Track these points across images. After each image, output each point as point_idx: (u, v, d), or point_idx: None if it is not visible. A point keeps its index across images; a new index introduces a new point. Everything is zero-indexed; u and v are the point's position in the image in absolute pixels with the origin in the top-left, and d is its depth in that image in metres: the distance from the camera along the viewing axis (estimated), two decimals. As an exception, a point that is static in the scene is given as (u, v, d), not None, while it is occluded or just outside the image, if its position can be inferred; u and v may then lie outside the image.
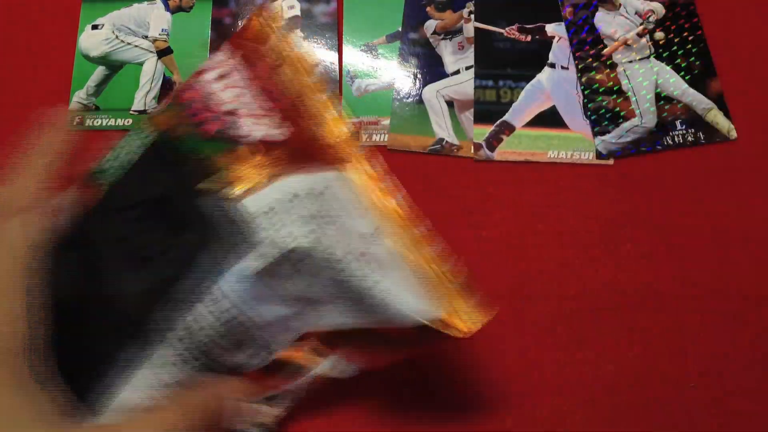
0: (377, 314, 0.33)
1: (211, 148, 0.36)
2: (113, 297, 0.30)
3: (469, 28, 0.49)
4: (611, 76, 0.47)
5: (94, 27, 0.50)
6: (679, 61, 0.47)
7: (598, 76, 0.47)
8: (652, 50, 0.48)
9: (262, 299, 0.33)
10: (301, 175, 0.36)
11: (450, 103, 0.47)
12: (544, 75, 0.47)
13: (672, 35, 0.48)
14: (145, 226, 0.32)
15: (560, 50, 0.48)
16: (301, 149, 0.37)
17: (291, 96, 0.38)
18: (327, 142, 0.38)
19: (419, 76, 0.48)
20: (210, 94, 0.37)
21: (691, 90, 0.47)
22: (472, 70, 0.48)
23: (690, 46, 0.48)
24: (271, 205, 0.35)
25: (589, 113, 0.46)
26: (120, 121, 0.47)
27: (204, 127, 0.36)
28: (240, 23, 0.49)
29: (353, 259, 0.33)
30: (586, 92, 0.47)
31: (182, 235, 0.31)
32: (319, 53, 0.49)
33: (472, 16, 0.49)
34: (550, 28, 0.49)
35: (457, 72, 0.48)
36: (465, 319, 0.34)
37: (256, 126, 0.37)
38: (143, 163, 0.33)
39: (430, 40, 0.48)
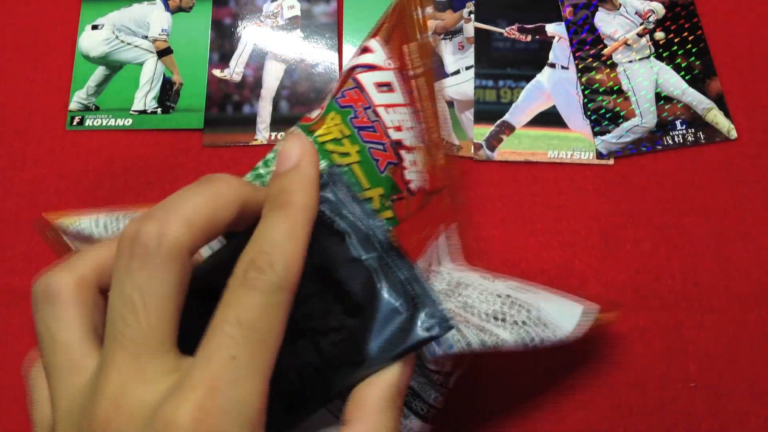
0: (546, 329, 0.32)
1: (385, 186, 0.31)
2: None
3: (469, 28, 0.49)
4: (611, 76, 0.47)
5: (94, 27, 0.50)
6: (679, 61, 0.47)
7: (598, 76, 0.47)
8: (652, 50, 0.48)
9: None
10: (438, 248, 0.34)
11: (450, 103, 0.47)
12: (544, 75, 0.47)
13: (672, 35, 0.48)
14: (303, 292, 0.25)
15: (560, 50, 0.48)
16: (434, 206, 0.34)
17: (428, 125, 0.35)
18: (446, 200, 0.35)
19: (419, 76, 0.48)
20: (375, 107, 0.32)
21: (691, 90, 0.47)
22: (472, 70, 0.48)
23: (690, 46, 0.48)
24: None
25: (589, 113, 0.46)
26: (120, 121, 0.47)
27: (374, 151, 0.32)
28: (241, 24, 0.49)
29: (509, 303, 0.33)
30: (586, 92, 0.47)
31: (358, 315, 0.25)
32: (319, 53, 0.49)
33: (472, 16, 0.49)
34: (550, 28, 0.49)
35: (457, 72, 0.48)
36: (602, 307, 0.33)
37: (413, 172, 0.33)
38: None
39: (430, 40, 0.48)
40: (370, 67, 0.33)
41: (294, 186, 0.24)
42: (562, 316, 0.32)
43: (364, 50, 0.34)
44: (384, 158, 0.32)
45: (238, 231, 0.25)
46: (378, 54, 0.33)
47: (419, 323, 0.25)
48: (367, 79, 0.33)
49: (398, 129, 0.33)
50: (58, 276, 0.23)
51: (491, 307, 0.33)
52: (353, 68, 0.33)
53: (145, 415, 0.20)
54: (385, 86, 0.33)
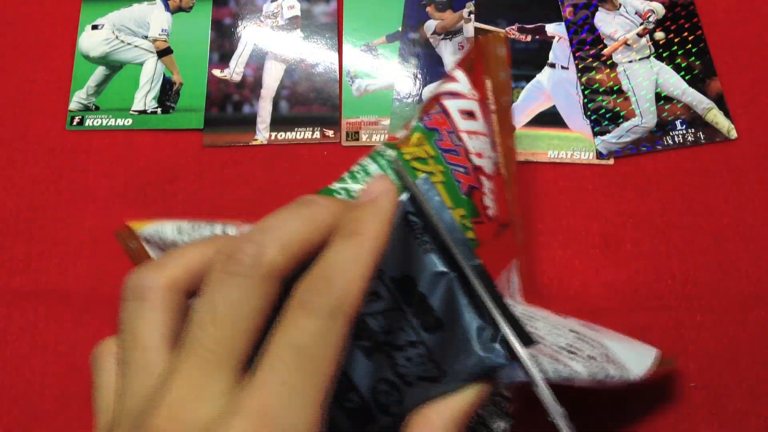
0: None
1: (466, 207, 0.32)
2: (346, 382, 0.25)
3: (469, 28, 0.49)
4: (611, 76, 0.47)
5: (94, 27, 0.50)
6: (679, 61, 0.47)
7: (598, 76, 0.47)
8: (652, 50, 0.48)
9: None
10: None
11: (450, 103, 0.47)
12: (544, 75, 0.47)
13: (672, 35, 0.48)
14: (383, 305, 0.25)
15: (560, 50, 0.48)
16: (503, 239, 0.35)
17: (500, 161, 0.36)
18: (511, 235, 0.36)
19: (419, 76, 0.48)
20: (459, 132, 0.34)
21: (691, 90, 0.47)
22: (472, 70, 0.48)
23: (690, 46, 0.48)
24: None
25: (589, 113, 0.46)
26: (120, 121, 0.47)
27: (457, 173, 0.33)
28: (241, 24, 0.49)
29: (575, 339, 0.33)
30: (586, 92, 0.47)
31: (438, 330, 0.25)
32: (319, 53, 0.49)
33: (472, 16, 0.49)
34: (550, 28, 0.49)
35: (457, 72, 0.48)
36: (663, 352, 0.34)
37: (490, 200, 0.34)
38: (398, 215, 0.25)
39: (430, 40, 0.48)
40: (455, 95, 0.35)
41: (367, 216, 0.23)
42: (630, 356, 0.33)
43: (450, 78, 0.35)
44: (466, 181, 0.33)
45: None
46: (462, 83, 0.35)
47: (498, 346, 0.25)
48: (452, 105, 0.34)
49: (479, 156, 0.34)
50: (150, 274, 0.24)
51: (563, 340, 0.33)
52: (440, 94, 0.35)
53: None
54: (468, 114, 0.34)
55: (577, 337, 0.33)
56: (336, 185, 0.33)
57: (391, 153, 0.33)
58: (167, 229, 0.34)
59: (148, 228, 0.35)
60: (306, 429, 0.20)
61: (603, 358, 0.32)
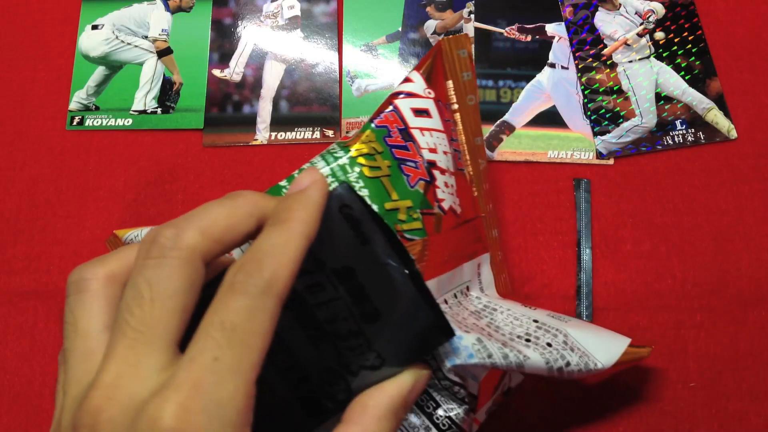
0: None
1: (414, 199, 0.34)
2: (292, 370, 0.26)
3: (469, 28, 0.49)
4: (611, 76, 0.47)
5: (94, 27, 0.50)
6: (679, 61, 0.47)
7: (598, 76, 0.47)
8: (652, 50, 0.48)
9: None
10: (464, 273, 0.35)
11: (450, 103, 0.47)
12: (544, 75, 0.47)
13: (672, 35, 0.48)
14: (327, 296, 0.26)
15: (560, 50, 0.48)
16: (464, 232, 0.36)
17: (464, 158, 0.38)
18: (477, 229, 0.37)
19: (419, 76, 0.48)
20: (410, 129, 0.35)
21: (691, 90, 0.47)
22: (472, 70, 0.48)
23: (690, 46, 0.48)
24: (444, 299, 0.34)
25: (589, 113, 0.46)
26: (120, 121, 0.47)
27: (406, 167, 0.35)
28: (241, 24, 0.49)
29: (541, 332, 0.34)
30: (586, 92, 0.47)
31: (376, 320, 0.26)
32: (319, 53, 0.49)
33: (472, 16, 0.49)
34: (550, 28, 0.49)
35: (457, 72, 0.48)
36: (635, 342, 0.35)
37: (446, 193, 0.35)
38: (334, 209, 0.26)
39: (430, 40, 0.48)
40: (409, 95, 0.36)
41: (295, 205, 0.25)
42: (599, 346, 0.33)
43: (406, 80, 0.37)
44: (416, 174, 0.35)
45: None
46: (417, 83, 0.37)
47: (428, 330, 0.26)
48: (404, 104, 0.36)
49: (433, 151, 0.36)
50: (90, 268, 0.25)
51: (520, 329, 0.34)
52: (393, 95, 0.36)
53: (133, 409, 0.21)
54: (422, 112, 0.36)
55: (538, 326, 0.34)
56: (284, 182, 0.35)
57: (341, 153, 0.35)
58: (145, 232, 0.35)
59: (129, 234, 0.37)
60: (237, 402, 0.21)
61: (562, 345, 0.33)
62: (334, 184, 0.33)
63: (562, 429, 0.40)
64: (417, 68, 0.37)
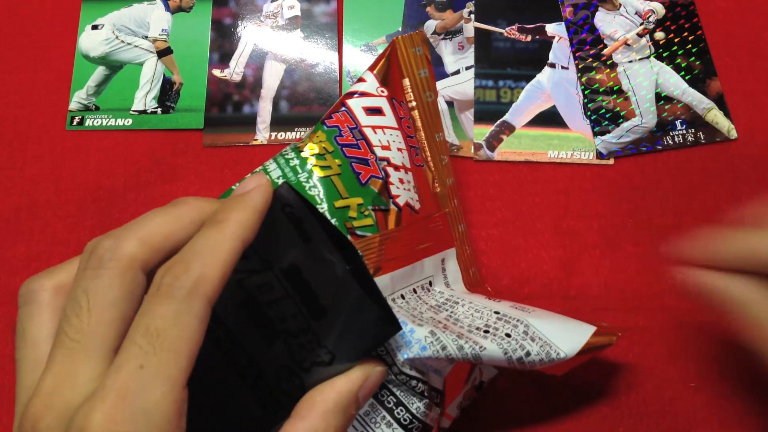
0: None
1: (365, 196, 0.34)
2: (246, 368, 0.26)
3: (469, 28, 0.49)
4: (611, 76, 0.47)
5: (94, 27, 0.50)
6: (679, 61, 0.47)
7: (598, 76, 0.47)
8: (652, 50, 0.48)
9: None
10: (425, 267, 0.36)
11: (450, 103, 0.47)
12: (544, 75, 0.47)
13: (672, 35, 0.48)
14: (276, 294, 0.26)
15: (560, 50, 0.48)
16: (424, 227, 0.37)
17: (423, 155, 0.38)
18: (439, 225, 0.38)
19: (419, 76, 0.48)
20: (362, 127, 0.36)
21: (691, 90, 0.47)
22: (472, 70, 0.48)
23: (690, 46, 0.48)
24: (399, 294, 0.34)
25: (589, 113, 0.46)
26: (120, 121, 0.47)
27: (357, 165, 0.35)
28: (241, 24, 0.49)
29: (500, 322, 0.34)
30: (586, 92, 0.47)
31: (323, 316, 0.26)
32: (319, 53, 0.49)
33: (472, 16, 0.49)
34: (550, 28, 0.49)
35: (457, 72, 0.48)
36: (602, 329, 0.34)
37: (401, 189, 0.36)
38: (277, 209, 0.26)
39: (430, 40, 0.48)
40: (361, 94, 0.37)
41: (233, 206, 0.24)
42: (561, 335, 0.33)
43: (359, 80, 0.38)
44: (367, 172, 0.35)
45: None
46: (370, 83, 0.37)
47: (374, 324, 0.26)
48: (355, 104, 0.37)
49: (386, 148, 0.36)
50: (39, 280, 0.25)
51: (479, 321, 0.34)
52: (346, 95, 0.37)
53: (67, 418, 0.21)
54: (374, 110, 0.37)
55: (498, 317, 0.34)
56: (236, 186, 0.35)
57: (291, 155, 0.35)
58: None
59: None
60: (164, 408, 0.21)
61: (522, 336, 0.33)
62: None
63: (562, 429, 0.40)
64: (371, 68, 0.38)
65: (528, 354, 0.32)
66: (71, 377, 0.22)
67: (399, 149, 0.36)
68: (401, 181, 0.36)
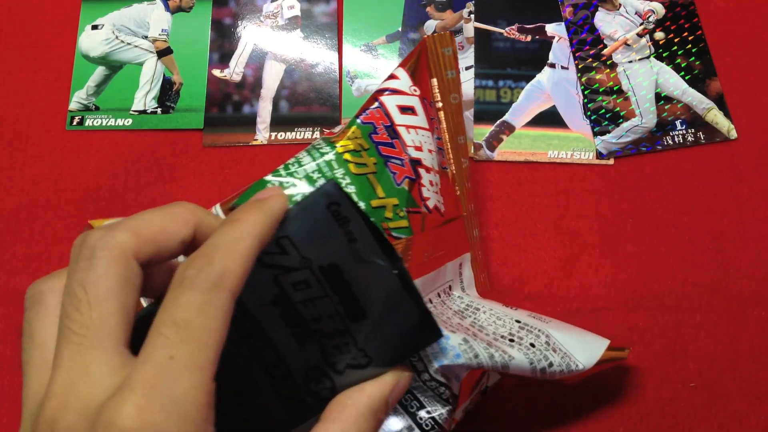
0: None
1: (400, 197, 0.34)
2: (275, 367, 0.26)
3: (469, 28, 0.49)
4: (611, 76, 0.47)
5: (94, 27, 0.50)
6: (679, 61, 0.47)
7: (598, 76, 0.47)
8: (652, 50, 0.48)
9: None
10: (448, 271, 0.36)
11: (450, 103, 0.47)
12: (544, 75, 0.47)
13: (672, 35, 0.48)
14: (313, 293, 0.26)
15: (560, 50, 0.48)
16: (447, 231, 0.36)
17: (447, 157, 0.37)
18: (458, 229, 0.37)
19: (419, 76, 0.48)
20: (396, 126, 0.35)
21: (691, 90, 0.47)
22: (472, 70, 0.48)
23: (690, 46, 0.48)
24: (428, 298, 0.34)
25: (589, 113, 0.46)
26: (120, 121, 0.47)
27: (392, 165, 0.34)
28: (241, 24, 0.49)
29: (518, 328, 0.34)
30: (586, 92, 0.47)
31: (361, 319, 0.25)
32: (319, 53, 0.49)
33: (472, 16, 0.49)
34: (550, 28, 0.49)
35: (457, 72, 0.48)
36: (614, 343, 0.35)
37: (431, 191, 0.35)
38: (322, 206, 0.26)
39: (430, 40, 0.48)
40: (394, 92, 0.36)
41: (252, 208, 0.24)
42: (579, 347, 0.34)
43: (391, 77, 0.37)
44: (402, 172, 0.34)
45: None
46: (403, 81, 0.36)
47: (417, 330, 0.26)
48: (390, 101, 0.36)
49: (418, 149, 0.35)
50: (46, 282, 0.25)
51: (505, 330, 0.34)
52: (379, 91, 0.36)
53: (90, 414, 0.21)
54: (407, 109, 0.36)
55: (520, 326, 0.34)
56: (270, 177, 0.35)
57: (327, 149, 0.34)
58: None
59: (105, 224, 0.36)
60: (195, 398, 0.21)
61: (545, 346, 0.33)
62: (321, 181, 0.33)
63: (562, 429, 0.40)
64: (402, 65, 0.37)
65: (551, 365, 0.32)
66: (84, 373, 0.21)
67: (430, 151, 0.36)
68: (431, 183, 0.35)
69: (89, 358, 0.21)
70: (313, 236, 0.25)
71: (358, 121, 0.35)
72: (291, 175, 0.34)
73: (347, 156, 0.34)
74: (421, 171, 0.35)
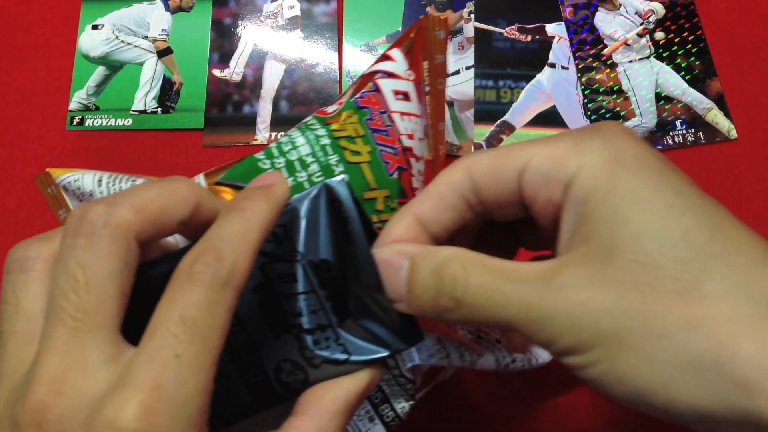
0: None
1: (391, 188, 0.33)
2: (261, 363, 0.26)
3: (469, 28, 0.49)
4: (611, 76, 0.47)
5: (94, 27, 0.50)
6: (679, 61, 0.47)
7: (598, 76, 0.47)
8: (652, 50, 0.48)
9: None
10: None
11: (450, 103, 0.47)
12: (544, 75, 0.47)
13: (672, 35, 0.48)
14: (299, 287, 0.25)
15: (560, 50, 0.48)
16: None
17: (430, 143, 0.36)
18: None
19: (419, 76, 0.48)
20: (391, 113, 0.34)
21: (691, 90, 0.47)
22: (472, 70, 0.48)
23: (690, 46, 0.48)
24: None
25: (589, 113, 0.46)
26: (120, 121, 0.47)
27: (385, 154, 0.33)
28: (241, 24, 0.49)
29: None
30: (586, 92, 0.47)
31: (343, 318, 0.25)
32: (319, 53, 0.49)
33: (472, 16, 0.49)
34: (550, 28, 0.49)
35: (457, 72, 0.48)
36: None
37: (419, 181, 0.34)
38: (325, 201, 0.25)
39: (430, 40, 0.48)
40: (390, 75, 0.34)
41: (258, 196, 0.24)
42: None
43: (386, 58, 0.35)
44: (394, 162, 0.33)
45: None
46: (399, 63, 0.35)
47: (400, 333, 0.26)
48: (385, 85, 0.34)
49: (410, 137, 0.34)
50: (35, 246, 0.23)
51: (473, 327, 0.34)
52: (374, 72, 0.34)
53: (85, 407, 0.20)
54: (401, 95, 0.34)
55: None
56: (260, 155, 0.33)
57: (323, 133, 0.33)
58: (87, 178, 0.33)
59: (68, 176, 0.34)
60: (198, 400, 0.20)
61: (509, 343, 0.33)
62: (314, 166, 0.32)
63: (562, 429, 0.40)
64: (397, 44, 0.35)
65: (514, 360, 0.33)
66: (81, 360, 0.20)
67: (420, 139, 0.34)
68: (419, 173, 0.34)
69: (85, 344, 0.20)
70: (308, 231, 0.25)
71: (354, 103, 0.34)
72: (283, 155, 0.33)
73: (343, 143, 0.33)
74: (412, 160, 0.34)
